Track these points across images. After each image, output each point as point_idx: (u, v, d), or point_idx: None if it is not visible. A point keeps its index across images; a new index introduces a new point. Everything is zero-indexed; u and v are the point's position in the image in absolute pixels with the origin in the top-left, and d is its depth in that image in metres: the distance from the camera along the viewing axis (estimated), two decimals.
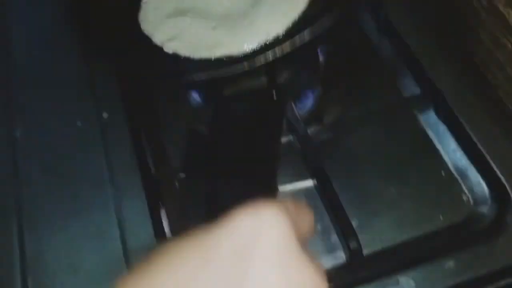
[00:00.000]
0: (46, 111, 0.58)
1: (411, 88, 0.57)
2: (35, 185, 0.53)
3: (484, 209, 0.49)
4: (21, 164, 0.54)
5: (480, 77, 0.56)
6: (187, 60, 0.50)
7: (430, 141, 0.54)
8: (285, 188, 0.52)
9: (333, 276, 0.45)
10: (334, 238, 0.48)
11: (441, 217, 0.49)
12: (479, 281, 0.43)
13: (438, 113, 0.54)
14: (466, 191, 0.51)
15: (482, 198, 0.50)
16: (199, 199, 0.49)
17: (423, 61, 0.56)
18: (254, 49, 0.49)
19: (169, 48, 0.51)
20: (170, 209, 0.51)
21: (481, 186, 0.50)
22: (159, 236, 0.48)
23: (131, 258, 0.47)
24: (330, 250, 0.48)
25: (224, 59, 0.49)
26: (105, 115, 0.57)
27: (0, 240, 0.49)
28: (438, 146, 0.53)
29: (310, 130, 0.52)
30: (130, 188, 0.51)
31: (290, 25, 0.50)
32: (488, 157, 0.50)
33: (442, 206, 0.50)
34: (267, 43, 0.49)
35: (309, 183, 0.51)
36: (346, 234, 0.45)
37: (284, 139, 0.51)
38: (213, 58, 0.49)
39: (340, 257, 0.47)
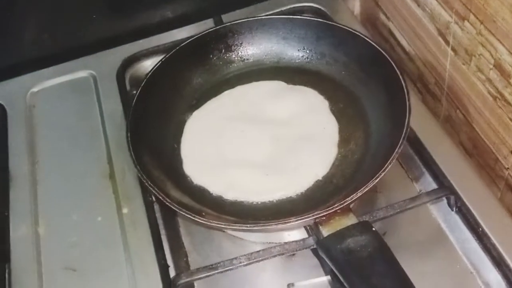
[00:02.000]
0: (68, 208, 0.61)
1: (424, 179, 0.59)
2: (58, 284, 0.55)
3: None
4: (45, 261, 0.57)
5: (490, 162, 0.58)
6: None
7: (443, 233, 0.55)
8: (300, 284, 0.53)
9: None
10: None
11: None
12: None
13: (450, 205, 0.55)
14: (482, 286, 0.51)
15: None
16: None
17: (433, 152, 0.58)
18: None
19: (229, 196, 0.56)
20: None
21: (498, 281, 0.50)
22: None
23: None
24: None
25: None
26: (125, 210, 0.59)
27: None
28: (452, 239, 0.54)
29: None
30: (149, 287, 0.53)
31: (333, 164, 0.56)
32: (503, 253, 0.50)
33: None
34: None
35: (324, 279, 0.52)
36: None
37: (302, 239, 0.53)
38: (275, 200, 0.55)
39: None
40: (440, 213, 0.56)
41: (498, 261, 0.51)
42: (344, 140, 0.59)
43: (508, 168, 0.56)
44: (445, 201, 0.56)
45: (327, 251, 0.46)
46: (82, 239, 0.58)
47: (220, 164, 0.58)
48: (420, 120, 0.61)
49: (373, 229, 0.46)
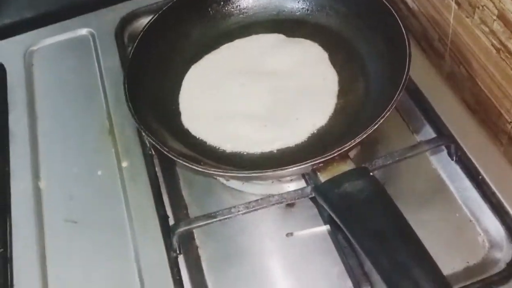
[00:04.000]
0: (68, 162, 0.61)
1: (424, 130, 0.59)
2: (59, 236, 0.56)
3: (500, 251, 0.49)
4: (46, 214, 0.58)
5: (493, 117, 0.57)
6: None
7: (443, 182, 0.55)
8: (299, 233, 0.53)
9: None
10: (349, 284, 0.49)
11: (457, 259, 0.49)
12: None
13: (450, 154, 0.55)
14: (481, 233, 0.51)
15: (498, 240, 0.50)
16: None
17: (434, 104, 0.58)
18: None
19: (228, 147, 0.56)
20: (188, 256, 0.53)
21: (497, 228, 0.50)
22: (177, 286, 0.50)
23: None
24: None
25: None
26: (124, 164, 0.60)
27: None
28: (452, 188, 0.54)
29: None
30: (149, 237, 0.53)
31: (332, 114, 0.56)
32: (503, 200, 0.50)
33: (458, 248, 0.50)
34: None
35: (323, 229, 0.53)
36: (360, 280, 0.46)
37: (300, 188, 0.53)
38: (274, 151, 0.55)
39: None
40: (440, 163, 0.56)
41: (497, 209, 0.50)
42: (343, 91, 0.58)
43: (511, 122, 0.56)
44: (445, 151, 0.55)
45: (324, 195, 0.46)
46: (83, 193, 0.59)
47: (218, 116, 0.58)
48: (422, 74, 0.60)
49: (371, 174, 0.46)
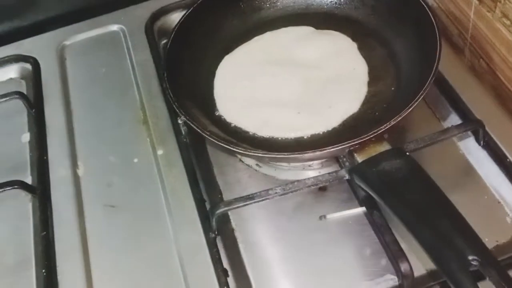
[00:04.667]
0: (105, 151, 0.63)
1: (450, 118, 0.60)
2: (99, 219, 0.57)
3: None
4: (85, 199, 0.59)
5: None
6: None
7: (471, 167, 0.56)
8: (332, 216, 0.54)
9: None
10: (384, 261, 0.50)
11: (486, 239, 0.50)
12: None
13: (478, 139, 0.56)
14: (509, 213, 0.53)
15: None
16: None
17: (459, 92, 0.60)
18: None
19: (263, 133, 0.58)
20: (225, 238, 0.54)
21: None
22: (217, 265, 0.51)
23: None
24: (381, 273, 0.50)
25: None
26: (160, 152, 0.61)
27: (66, 274, 0.53)
28: (479, 172, 0.56)
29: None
30: (187, 220, 0.55)
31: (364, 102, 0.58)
32: None
33: (487, 228, 0.51)
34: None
35: (355, 211, 0.54)
36: (397, 256, 0.47)
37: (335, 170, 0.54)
38: (305, 137, 0.57)
39: (391, 279, 0.49)
40: (468, 149, 0.58)
41: None
42: (373, 80, 0.60)
43: None
44: (472, 137, 0.57)
45: (362, 175, 0.48)
46: (120, 179, 0.60)
47: (252, 103, 0.60)
48: (447, 64, 0.62)
49: (407, 153, 0.48)
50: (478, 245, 0.40)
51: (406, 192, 0.44)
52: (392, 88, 0.59)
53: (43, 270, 0.53)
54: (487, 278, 0.40)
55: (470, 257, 0.39)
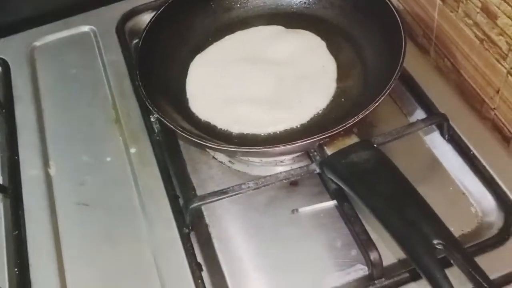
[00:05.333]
0: (77, 151, 0.63)
1: (416, 113, 0.62)
2: (71, 218, 0.57)
3: (492, 219, 0.52)
4: (58, 198, 0.59)
5: (477, 105, 0.61)
6: None
7: (436, 160, 0.58)
8: (304, 210, 0.55)
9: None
10: (355, 252, 0.52)
11: (452, 229, 0.51)
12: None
13: (442, 133, 0.58)
14: (474, 203, 0.54)
15: (489, 209, 0.53)
16: None
17: (425, 89, 0.62)
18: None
19: (235, 129, 0.59)
20: (199, 234, 0.55)
21: (487, 198, 0.54)
22: (191, 259, 0.51)
23: (167, 284, 0.50)
24: (352, 263, 0.51)
25: None
26: (132, 150, 0.61)
27: (39, 272, 0.53)
28: (445, 164, 0.58)
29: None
30: (160, 216, 0.55)
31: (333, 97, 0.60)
32: (492, 172, 0.54)
33: (452, 218, 0.52)
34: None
35: (326, 204, 0.55)
36: (366, 246, 0.48)
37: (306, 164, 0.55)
38: (278, 132, 0.58)
39: (361, 269, 0.51)
40: (433, 143, 0.59)
41: (488, 181, 0.54)
42: (342, 77, 0.62)
43: (494, 108, 0.59)
44: (437, 131, 0.59)
45: (332, 167, 0.49)
46: (93, 178, 0.60)
47: (225, 101, 0.61)
48: (413, 62, 0.64)
49: (375, 145, 0.49)
50: (442, 229, 0.41)
51: (374, 182, 0.45)
52: (360, 85, 0.60)
53: (16, 269, 0.53)
54: (452, 262, 0.41)
55: (435, 241, 0.40)
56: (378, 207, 0.44)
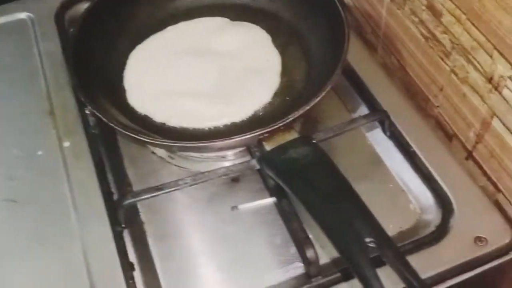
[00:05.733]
0: (7, 144, 0.60)
1: (360, 110, 0.62)
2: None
3: (430, 216, 0.52)
4: None
5: (422, 103, 0.61)
6: None
7: (378, 157, 0.58)
8: (244, 206, 0.54)
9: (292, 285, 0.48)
10: (294, 249, 0.51)
11: (391, 226, 0.51)
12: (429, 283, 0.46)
13: (384, 130, 0.58)
14: (413, 200, 0.54)
15: (427, 206, 0.53)
16: None
17: (369, 85, 0.61)
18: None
19: (173, 122, 0.57)
20: (133, 231, 0.53)
21: (426, 195, 0.54)
22: (123, 258, 0.50)
23: (96, 283, 0.48)
24: (291, 261, 0.50)
25: None
26: (66, 144, 0.58)
27: None
28: (386, 161, 0.57)
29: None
30: (93, 213, 0.53)
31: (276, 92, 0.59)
32: (431, 169, 0.54)
33: (391, 215, 0.53)
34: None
35: (267, 201, 0.54)
36: (303, 244, 0.47)
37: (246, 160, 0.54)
38: (220, 126, 0.56)
39: (299, 267, 0.50)
40: (375, 139, 0.59)
41: (427, 178, 0.54)
42: (286, 71, 0.61)
43: (438, 106, 0.60)
44: (379, 128, 0.59)
45: (270, 162, 0.48)
46: (23, 173, 0.57)
47: (164, 93, 0.59)
48: (359, 58, 0.64)
49: (314, 141, 0.48)
50: (375, 227, 0.41)
51: (310, 179, 0.45)
52: (304, 79, 0.60)
53: None
54: (385, 260, 0.41)
55: (368, 239, 0.40)
56: (313, 204, 0.43)
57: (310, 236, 0.48)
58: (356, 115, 0.62)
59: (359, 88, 0.62)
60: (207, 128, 0.57)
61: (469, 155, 0.56)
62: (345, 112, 0.63)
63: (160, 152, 0.59)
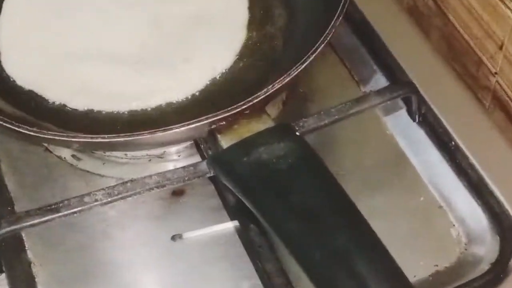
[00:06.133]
0: None
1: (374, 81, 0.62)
2: None
3: (482, 248, 0.52)
4: None
5: (471, 67, 0.61)
6: None
7: (402, 154, 0.58)
8: (190, 235, 0.55)
9: None
10: None
11: (421, 263, 0.51)
12: None
13: (411, 112, 0.57)
14: (455, 223, 0.54)
15: (478, 233, 0.53)
16: None
17: (388, 43, 0.61)
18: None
19: (77, 104, 0.56)
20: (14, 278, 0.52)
21: (477, 216, 0.54)
22: None
23: None
24: None
25: None
26: None
27: None
28: (414, 162, 0.57)
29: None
30: None
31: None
32: (484, 176, 0.54)
33: (423, 246, 0.53)
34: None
35: (225, 226, 0.54)
36: None
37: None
38: (150, 109, 0.56)
39: None
40: (398, 127, 0.59)
41: (477, 189, 0.54)
42: (256, 20, 0.61)
43: (495, 73, 0.60)
44: (404, 109, 0.58)
45: (226, 167, 0.47)
46: None
47: (62, 57, 0.59)
48: (374, 3, 0.65)
49: (297, 133, 0.48)
50: (390, 271, 0.40)
51: (289, 192, 0.44)
52: (283, 35, 0.60)
53: None
54: None
55: None
56: (292, 234, 0.42)
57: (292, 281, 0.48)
58: (368, 89, 0.62)
59: (373, 48, 0.62)
60: (127, 112, 0.56)
61: None
62: (352, 85, 0.63)
63: (59, 150, 0.59)
